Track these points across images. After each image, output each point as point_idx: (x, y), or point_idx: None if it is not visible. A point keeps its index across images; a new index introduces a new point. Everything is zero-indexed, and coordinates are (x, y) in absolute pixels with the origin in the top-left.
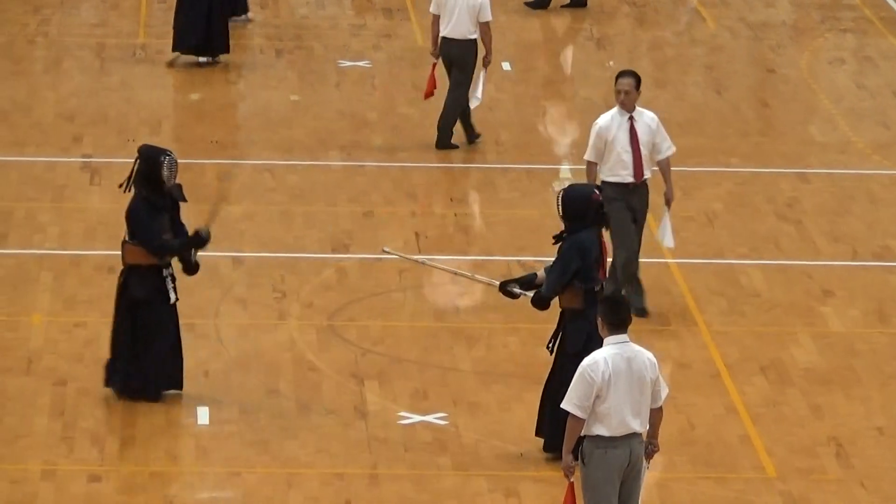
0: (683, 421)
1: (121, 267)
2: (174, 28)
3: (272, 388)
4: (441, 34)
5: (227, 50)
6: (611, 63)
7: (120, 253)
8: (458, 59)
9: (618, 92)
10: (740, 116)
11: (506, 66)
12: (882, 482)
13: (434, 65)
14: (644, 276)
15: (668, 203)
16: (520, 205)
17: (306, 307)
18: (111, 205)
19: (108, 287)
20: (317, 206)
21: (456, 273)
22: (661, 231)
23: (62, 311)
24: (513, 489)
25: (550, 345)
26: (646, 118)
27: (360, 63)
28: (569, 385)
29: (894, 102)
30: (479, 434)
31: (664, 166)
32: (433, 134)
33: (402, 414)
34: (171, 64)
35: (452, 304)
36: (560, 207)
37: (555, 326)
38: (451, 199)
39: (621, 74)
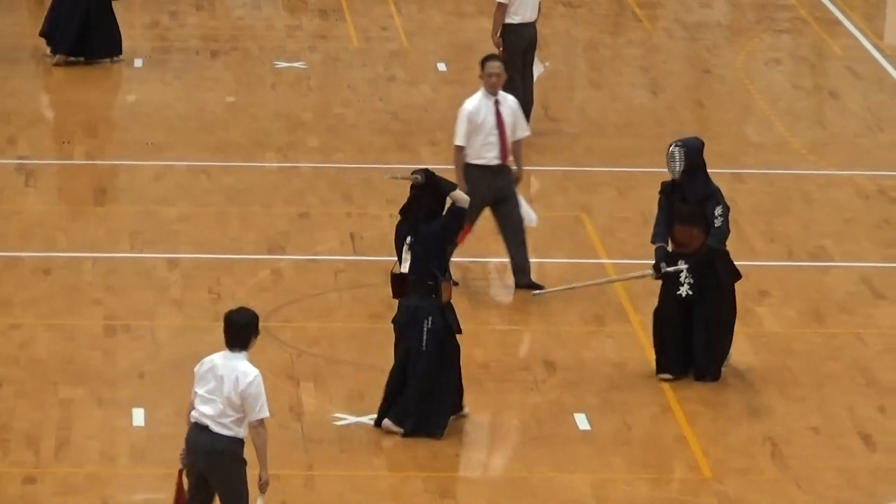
0: (619, 421)
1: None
2: (51, 29)
3: None
4: (517, 21)
5: (114, 52)
6: (546, 64)
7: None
8: (534, 40)
9: (489, 76)
10: (676, 117)
11: (441, 66)
12: (817, 482)
13: (501, 53)
14: (581, 277)
15: (517, 182)
16: None
17: None
18: (47, 206)
19: (45, 289)
20: (253, 208)
21: (608, 282)
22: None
23: None
24: (449, 490)
25: (686, 291)
26: (509, 101)
27: (296, 64)
28: (731, 316)
29: (830, 102)
30: (414, 435)
31: (518, 148)
32: (369, 134)
33: (338, 415)
34: (57, 64)
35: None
36: (682, 160)
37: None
38: (387, 201)
39: (490, 58)
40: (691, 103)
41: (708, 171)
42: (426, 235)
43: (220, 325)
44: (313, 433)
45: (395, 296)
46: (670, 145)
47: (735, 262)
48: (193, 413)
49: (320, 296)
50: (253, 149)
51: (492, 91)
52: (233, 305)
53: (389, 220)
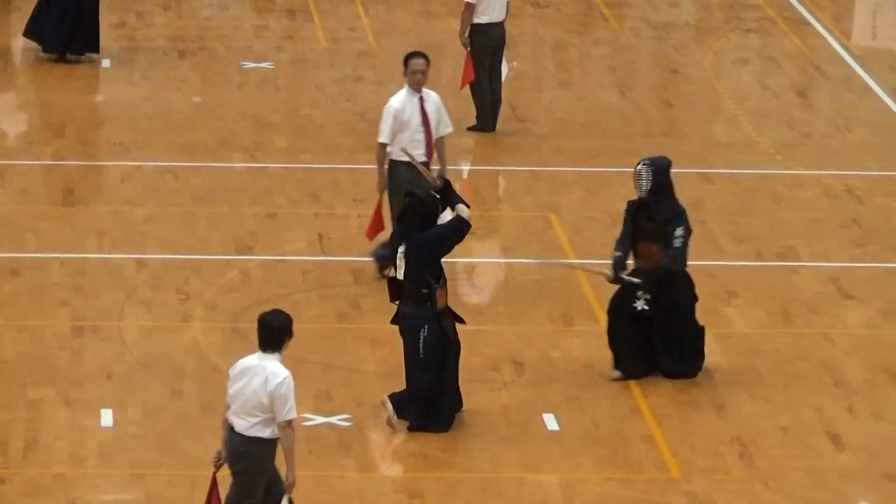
0: (588, 421)
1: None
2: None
3: (176, 389)
4: (485, 21)
5: (93, 49)
6: (514, 63)
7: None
8: (503, 40)
9: (413, 72)
10: (644, 117)
11: None
12: (785, 482)
13: (469, 53)
14: (547, 277)
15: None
16: None
17: (210, 309)
18: (14, 207)
19: (12, 290)
20: (220, 208)
21: (574, 267)
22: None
23: None
24: (417, 490)
25: (642, 306)
26: (433, 98)
27: (263, 64)
28: (693, 331)
29: (798, 102)
30: (382, 435)
31: (441, 145)
32: (336, 135)
33: (306, 415)
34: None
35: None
36: (650, 179)
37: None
38: (355, 200)
39: (414, 55)
40: (659, 103)
41: (679, 170)
42: (420, 244)
43: (188, 325)
44: None
45: (392, 300)
46: (638, 163)
47: (703, 263)
48: (227, 414)
49: (288, 296)
50: (220, 149)
51: (416, 88)
52: (201, 306)
53: (357, 220)
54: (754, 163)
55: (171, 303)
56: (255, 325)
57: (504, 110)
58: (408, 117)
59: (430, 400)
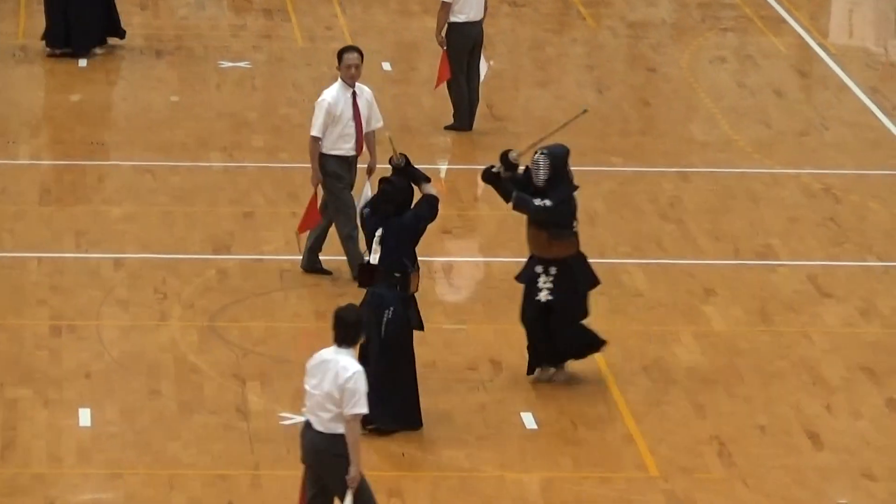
0: (566, 421)
1: None
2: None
3: (154, 389)
4: (462, 20)
5: (83, 49)
6: (491, 62)
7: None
8: (480, 39)
9: (348, 67)
10: (621, 115)
11: (386, 66)
12: (764, 480)
13: (445, 52)
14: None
15: (370, 173)
16: None
17: (188, 308)
18: None
19: None
20: (198, 207)
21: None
22: (362, 198)
23: None
24: (395, 489)
25: (546, 297)
26: (366, 93)
27: (241, 64)
28: (579, 318)
29: (775, 101)
30: (360, 434)
31: (371, 139)
32: None
33: (284, 414)
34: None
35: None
36: (547, 169)
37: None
38: None
39: (348, 50)
40: (637, 102)
41: (657, 168)
42: (398, 227)
43: (166, 324)
44: (260, 433)
45: (362, 286)
46: (535, 153)
47: (681, 261)
48: (304, 411)
49: (266, 295)
50: (198, 148)
51: (350, 83)
52: (178, 305)
53: None
54: (732, 161)
55: (149, 302)
56: (232, 325)
57: (481, 109)
58: (340, 112)
59: (393, 386)
